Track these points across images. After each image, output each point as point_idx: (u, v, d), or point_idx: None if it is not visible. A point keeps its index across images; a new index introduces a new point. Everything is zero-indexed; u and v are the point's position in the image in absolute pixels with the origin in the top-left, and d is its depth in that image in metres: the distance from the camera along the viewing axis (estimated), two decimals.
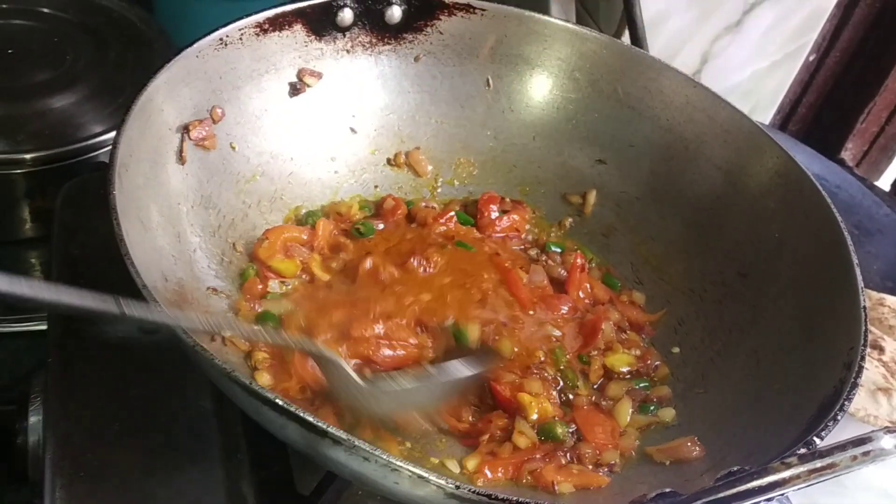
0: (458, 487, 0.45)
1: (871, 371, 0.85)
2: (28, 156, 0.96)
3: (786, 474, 0.38)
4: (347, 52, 0.82)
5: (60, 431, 0.67)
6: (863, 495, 0.87)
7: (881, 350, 0.87)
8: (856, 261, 0.66)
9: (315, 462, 0.55)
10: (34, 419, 0.72)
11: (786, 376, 0.64)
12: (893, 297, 0.93)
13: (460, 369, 0.66)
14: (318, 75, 0.81)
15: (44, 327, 0.77)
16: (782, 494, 0.38)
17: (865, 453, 0.37)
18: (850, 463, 0.37)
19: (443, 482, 0.45)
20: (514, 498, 0.45)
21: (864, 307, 0.62)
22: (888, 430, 0.39)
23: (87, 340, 0.73)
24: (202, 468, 0.67)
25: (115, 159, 0.59)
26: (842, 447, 0.38)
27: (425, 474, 0.45)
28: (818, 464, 0.38)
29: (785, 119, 1.41)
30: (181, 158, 0.70)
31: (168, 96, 0.69)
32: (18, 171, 0.96)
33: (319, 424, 0.46)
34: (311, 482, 0.67)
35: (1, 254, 1.03)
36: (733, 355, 0.71)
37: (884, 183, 1.41)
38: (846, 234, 0.68)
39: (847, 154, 1.39)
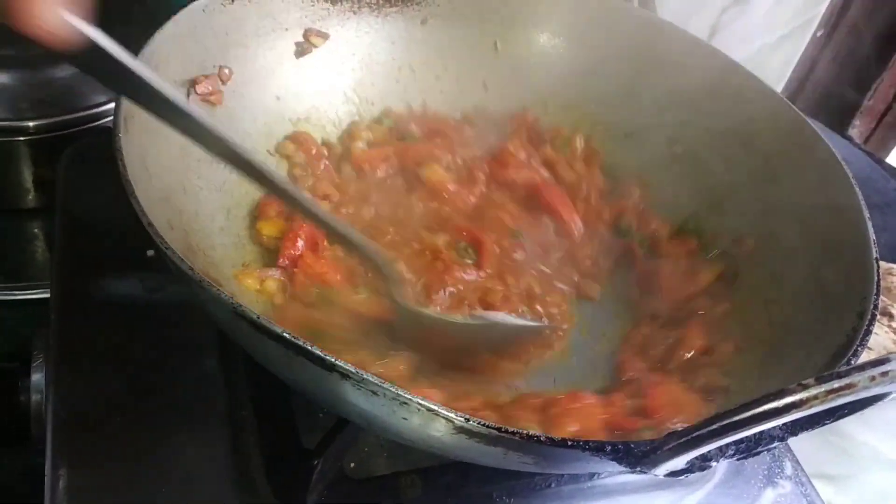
0: (467, 420, 0.44)
1: (882, 337, 0.85)
2: (31, 123, 0.95)
3: (803, 395, 0.37)
4: (354, 13, 0.82)
5: (62, 389, 0.66)
6: (870, 464, 0.87)
7: (891, 317, 0.87)
8: (867, 214, 0.65)
9: (323, 406, 0.54)
10: (36, 377, 0.72)
11: (799, 329, 0.64)
12: None
13: (507, 318, 0.68)
14: (325, 36, 0.80)
15: (47, 295, 0.76)
16: (801, 416, 0.38)
17: (884, 373, 0.36)
18: (869, 383, 0.37)
19: (452, 415, 0.44)
20: (525, 432, 0.44)
21: (877, 258, 0.61)
22: None
23: (89, 298, 0.73)
24: (207, 425, 0.66)
25: (121, 106, 0.58)
26: (860, 367, 0.37)
27: (434, 407, 0.44)
28: (836, 384, 0.37)
29: (793, 96, 1.40)
30: None
31: (174, 49, 0.68)
32: (21, 138, 0.96)
33: (328, 358, 0.45)
34: (316, 437, 0.66)
35: (3, 223, 1.03)
36: (745, 312, 0.70)
37: (892, 161, 1.40)
38: (857, 188, 0.67)
39: (854, 132, 1.38)
